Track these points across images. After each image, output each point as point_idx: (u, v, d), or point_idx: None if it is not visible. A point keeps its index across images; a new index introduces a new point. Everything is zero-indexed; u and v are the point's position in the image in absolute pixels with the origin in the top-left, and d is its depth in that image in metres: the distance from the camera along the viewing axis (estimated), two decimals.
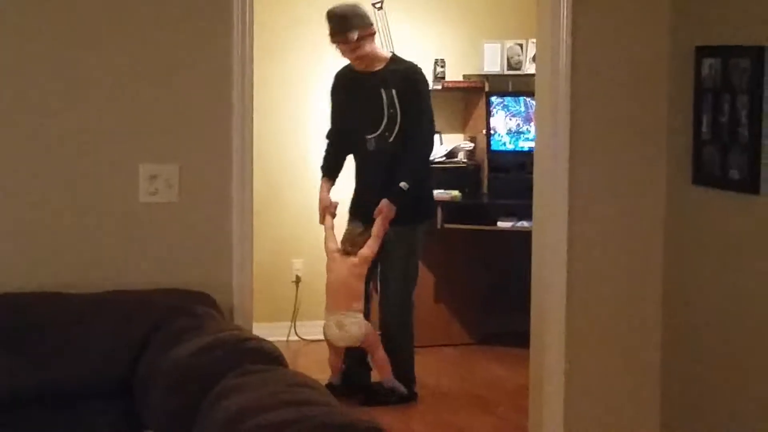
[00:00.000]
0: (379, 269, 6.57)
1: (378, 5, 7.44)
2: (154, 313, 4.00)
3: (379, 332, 6.57)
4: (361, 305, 6.38)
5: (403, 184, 6.33)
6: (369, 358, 6.59)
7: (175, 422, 3.43)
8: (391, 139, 6.40)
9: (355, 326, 6.31)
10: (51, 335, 3.91)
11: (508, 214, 7.51)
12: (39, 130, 4.26)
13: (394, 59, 6.53)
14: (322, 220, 6.59)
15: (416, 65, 6.54)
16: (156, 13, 4.34)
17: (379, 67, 6.46)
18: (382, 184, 6.39)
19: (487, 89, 7.90)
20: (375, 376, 6.62)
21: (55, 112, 4.27)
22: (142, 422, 3.66)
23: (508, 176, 7.68)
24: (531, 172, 5.21)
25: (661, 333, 5.05)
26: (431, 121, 6.52)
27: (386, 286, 6.54)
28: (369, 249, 6.34)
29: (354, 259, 6.35)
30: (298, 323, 7.88)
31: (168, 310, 4.01)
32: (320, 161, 6.73)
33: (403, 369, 6.56)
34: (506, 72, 8.00)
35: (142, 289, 4.19)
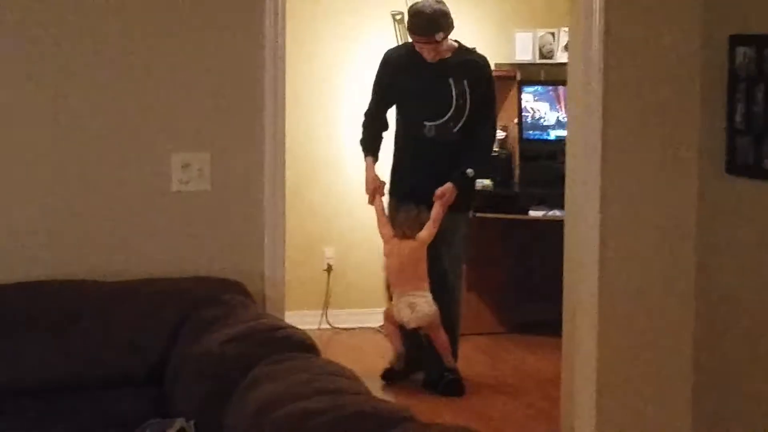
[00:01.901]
0: (432, 254, 6.37)
1: None
2: (186, 302, 4.02)
3: None
4: (428, 285, 6.27)
5: (469, 171, 6.28)
6: (423, 340, 6.46)
7: (206, 410, 3.45)
8: (456, 129, 6.30)
9: (426, 305, 6.24)
10: (82, 323, 3.93)
11: (540, 203, 7.49)
12: (72, 120, 4.28)
13: (462, 48, 6.41)
14: (372, 201, 6.35)
15: (485, 57, 6.48)
16: (189, 2, 4.36)
17: (446, 55, 6.32)
18: (441, 172, 6.25)
19: (519, 78, 7.88)
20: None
21: (89, 103, 4.29)
22: (173, 410, 3.67)
23: (540, 165, 7.65)
24: (563, 162, 5.20)
25: (694, 322, 5.03)
26: (496, 114, 6.52)
27: (448, 270, 6.46)
28: (428, 232, 6.24)
29: (413, 243, 6.23)
30: (329, 311, 7.89)
31: (199, 298, 4.02)
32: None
33: (454, 352, 6.53)
34: (538, 61, 7.97)
35: (173, 277, 4.21)
